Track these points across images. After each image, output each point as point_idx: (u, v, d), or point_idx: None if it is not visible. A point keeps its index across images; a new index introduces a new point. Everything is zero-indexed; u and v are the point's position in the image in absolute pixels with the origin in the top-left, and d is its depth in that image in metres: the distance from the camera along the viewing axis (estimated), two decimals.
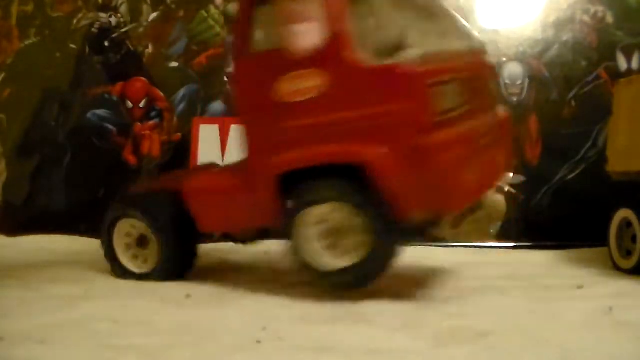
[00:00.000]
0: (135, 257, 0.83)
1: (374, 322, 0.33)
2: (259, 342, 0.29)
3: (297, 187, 0.73)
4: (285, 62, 0.61)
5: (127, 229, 0.85)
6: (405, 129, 0.52)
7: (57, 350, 0.28)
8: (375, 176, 0.59)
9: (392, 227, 0.47)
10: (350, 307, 0.36)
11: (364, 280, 0.61)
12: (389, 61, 0.50)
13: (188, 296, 0.38)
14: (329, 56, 0.53)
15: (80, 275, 0.44)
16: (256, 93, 0.64)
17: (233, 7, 0.82)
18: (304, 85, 0.50)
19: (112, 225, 0.81)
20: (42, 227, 0.82)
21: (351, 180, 0.67)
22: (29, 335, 0.30)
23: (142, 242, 0.83)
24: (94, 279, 0.45)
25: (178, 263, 0.77)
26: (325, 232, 0.56)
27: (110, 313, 0.33)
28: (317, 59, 0.57)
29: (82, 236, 0.92)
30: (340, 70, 0.56)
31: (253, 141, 0.72)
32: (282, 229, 0.62)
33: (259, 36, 0.79)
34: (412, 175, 0.57)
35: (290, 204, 0.67)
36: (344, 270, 0.49)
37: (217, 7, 1.02)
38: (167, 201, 0.83)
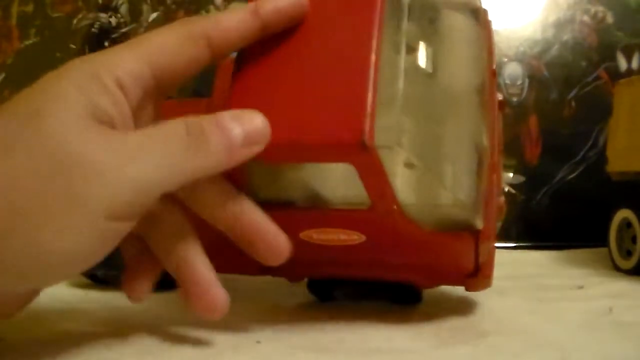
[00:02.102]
0: None
1: (374, 322, 0.33)
2: (258, 342, 0.29)
3: None
4: None
5: None
6: None
7: (57, 350, 0.29)
8: None
9: None
10: (350, 307, 0.36)
11: None
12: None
13: None
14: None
15: (80, 276, 0.43)
16: None
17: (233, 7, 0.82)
18: None
19: None
20: None
21: None
22: (29, 336, 0.30)
23: None
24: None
25: None
26: None
27: (110, 313, 0.33)
28: None
29: None
30: None
31: None
32: None
33: None
34: None
35: None
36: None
37: (217, 8, 1.03)
38: None
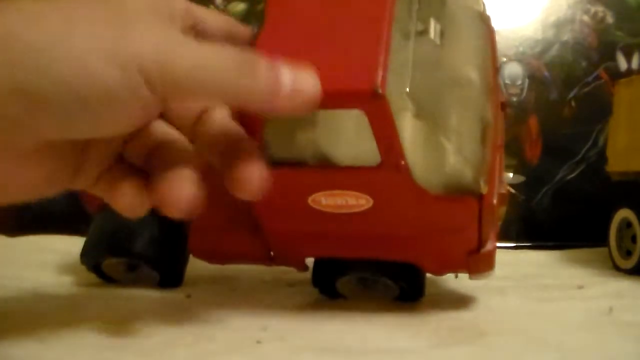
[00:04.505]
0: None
1: (374, 322, 0.33)
2: (259, 342, 0.29)
3: None
4: None
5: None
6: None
7: (57, 350, 0.29)
8: None
9: None
10: (350, 307, 0.36)
11: None
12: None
13: (188, 296, 0.38)
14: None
15: (81, 275, 0.43)
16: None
17: (233, 7, 0.82)
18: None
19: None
20: (42, 227, 0.82)
21: None
22: (28, 336, 0.30)
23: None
24: (95, 280, 0.45)
25: None
26: None
27: (110, 313, 0.33)
28: None
29: (82, 236, 0.93)
30: None
31: None
32: None
33: None
34: None
35: None
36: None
37: (217, 7, 1.03)
38: None
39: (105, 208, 0.40)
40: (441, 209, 0.31)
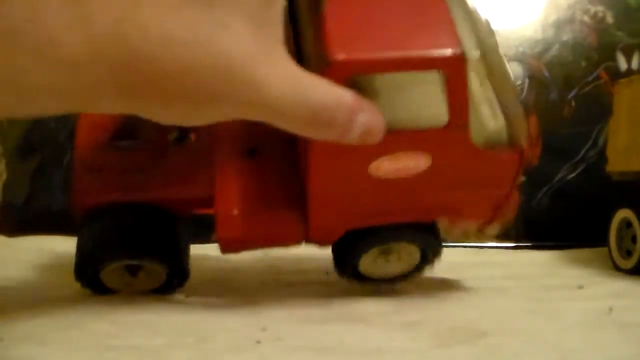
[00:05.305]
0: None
1: (373, 322, 0.33)
2: (259, 342, 0.29)
3: None
4: None
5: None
6: None
7: (57, 350, 0.28)
8: None
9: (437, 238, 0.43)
10: (350, 307, 0.36)
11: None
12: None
13: (188, 296, 0.38)
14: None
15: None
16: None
17: None
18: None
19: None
20: (42, 227, 0.81)
21: None
22: (28, 336, 0.30)
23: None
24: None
25: None
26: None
27: (110, 313, 0.33)
28: None
29: None
30: None
31: None
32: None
33: None
34: None
35: None
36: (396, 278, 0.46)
37: None
38: None
39: (90, 217, 0.38)
40: (488, 164, 0.34)
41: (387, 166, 0.32)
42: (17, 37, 0.23)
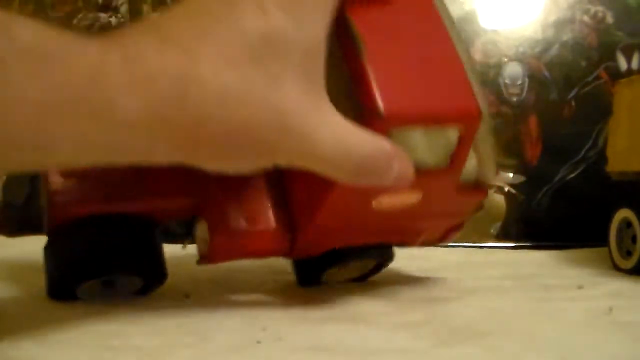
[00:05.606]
0: None
1: (373, 322, 0.33)
2: (259, 342, 0.29)
3: None
4: None
5: None
6: None
7: (57, 350, 0.28)
8: None
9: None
10: (350, 307, 0.36)
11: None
12: None
13: (188, 296, 0.38)
14: None
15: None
16: None
17: None
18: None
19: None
20: (42, 227, 0.81)
21: None
22: (28, 336, 0.30)
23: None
24: None
25: None
26: None
27: (110, 313, 0.33)
28: None
29: None
30: None
31: None
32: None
33: None
34: None
35: None
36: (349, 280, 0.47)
37: None
38: None
39: (60, 232, 0.38)
40: (462, 200, 0.37)
41: (387, 201, 0.34)
42: (77, 105, 0.23)
